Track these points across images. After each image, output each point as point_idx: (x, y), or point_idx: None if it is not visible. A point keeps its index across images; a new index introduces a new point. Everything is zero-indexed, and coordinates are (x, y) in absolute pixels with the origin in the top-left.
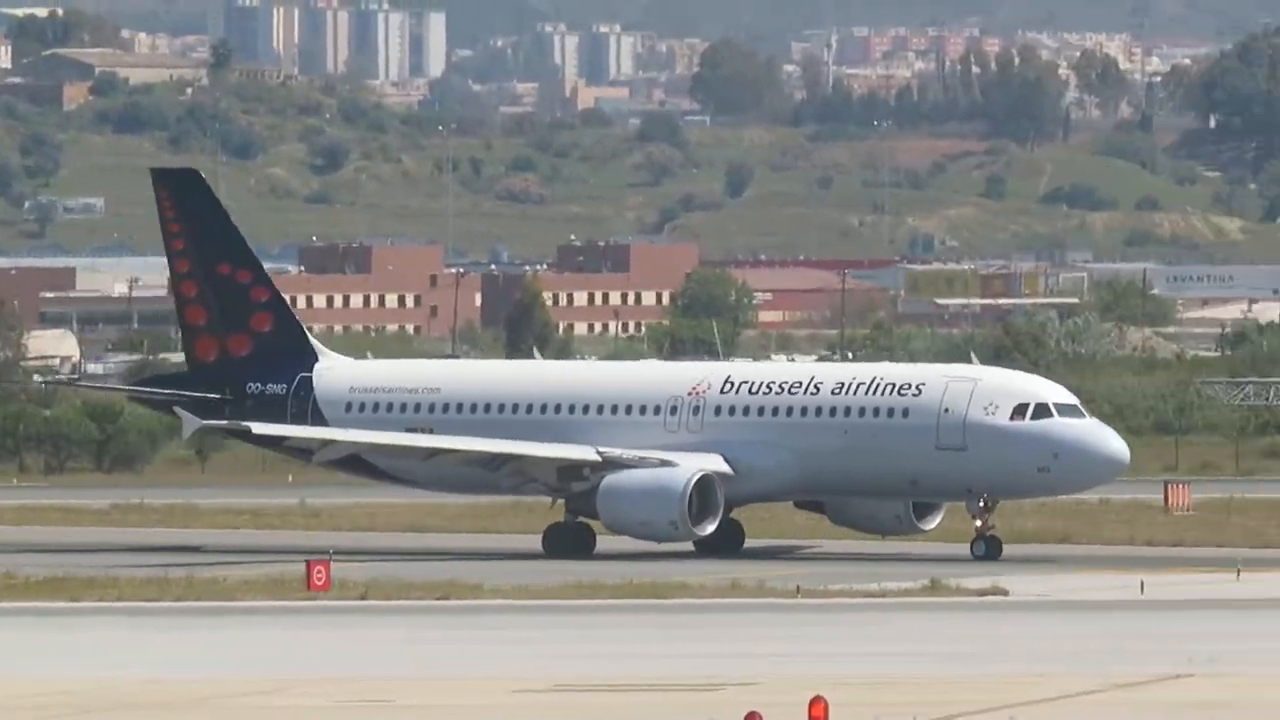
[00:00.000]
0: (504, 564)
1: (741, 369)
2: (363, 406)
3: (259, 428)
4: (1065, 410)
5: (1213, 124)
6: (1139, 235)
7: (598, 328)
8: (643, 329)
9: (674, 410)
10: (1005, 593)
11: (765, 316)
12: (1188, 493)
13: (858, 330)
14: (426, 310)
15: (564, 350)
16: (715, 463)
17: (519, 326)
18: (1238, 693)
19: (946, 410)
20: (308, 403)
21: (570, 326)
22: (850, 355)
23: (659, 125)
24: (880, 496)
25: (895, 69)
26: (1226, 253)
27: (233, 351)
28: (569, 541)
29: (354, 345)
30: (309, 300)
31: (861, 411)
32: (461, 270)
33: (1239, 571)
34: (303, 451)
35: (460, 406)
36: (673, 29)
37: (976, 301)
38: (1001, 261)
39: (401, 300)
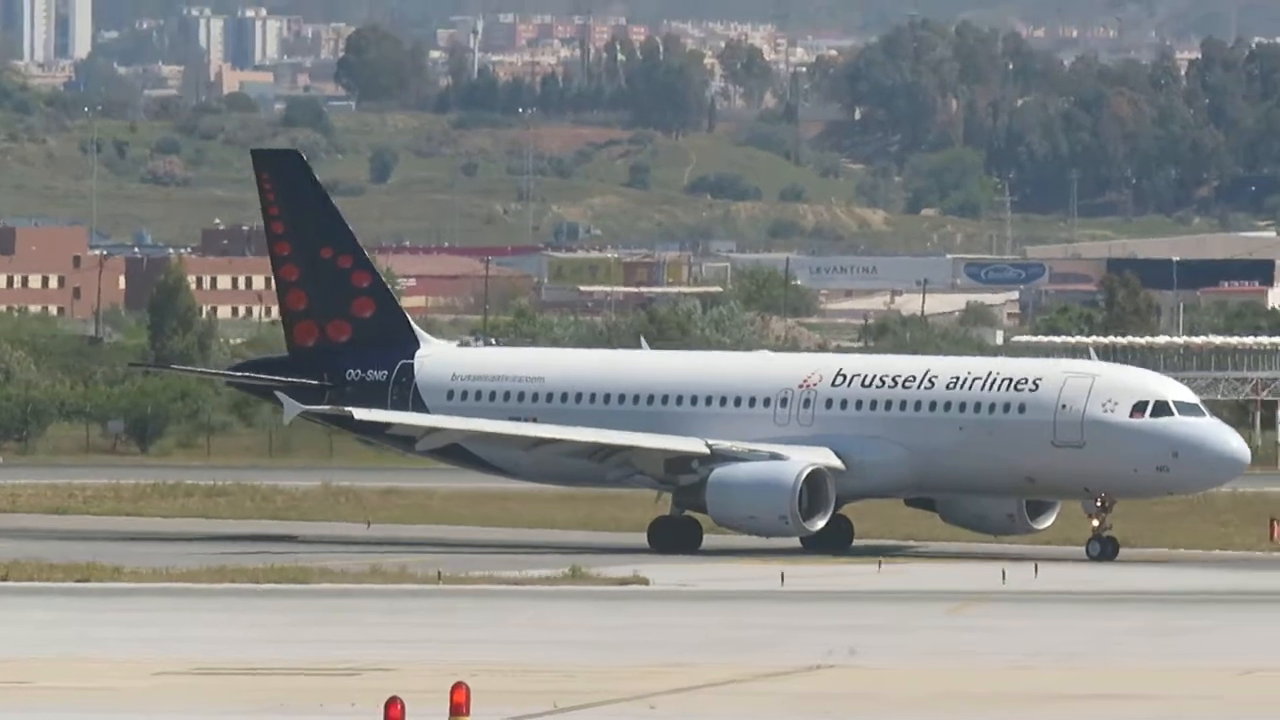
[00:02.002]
0: (146, 546)
1: (854, 361)
2: (465, 394)
3: (361, 413)
4: (1185, 408)
5: (857, 116)
6: (783, 226)
7: (242, 311)
8: None
9: (784, 402)
10: (646, 582)
11: (409, 302)
12: None
13: (501, 316)
14: (70, 292)
15: (208, 333)
16: (826, 457)
17: (162, 309)
18: (875, 684)
19: (1064, 406)
20: (409, 390)
21: (214, 310)
22: (494, 341)
23: (304, 110)
24: (995, 495)
25: (541, 56)
26: (870, 244)
27: (332, 337)
28: (676, 536)
29: None
30: None
31: (977, 407)
32: (105, 252)
33: (880, 563)
34: (404, 440)
35: (565, 396)
36: (319, 14)
37: (620, 289)
38: (645, 250)
39: (45, 282)
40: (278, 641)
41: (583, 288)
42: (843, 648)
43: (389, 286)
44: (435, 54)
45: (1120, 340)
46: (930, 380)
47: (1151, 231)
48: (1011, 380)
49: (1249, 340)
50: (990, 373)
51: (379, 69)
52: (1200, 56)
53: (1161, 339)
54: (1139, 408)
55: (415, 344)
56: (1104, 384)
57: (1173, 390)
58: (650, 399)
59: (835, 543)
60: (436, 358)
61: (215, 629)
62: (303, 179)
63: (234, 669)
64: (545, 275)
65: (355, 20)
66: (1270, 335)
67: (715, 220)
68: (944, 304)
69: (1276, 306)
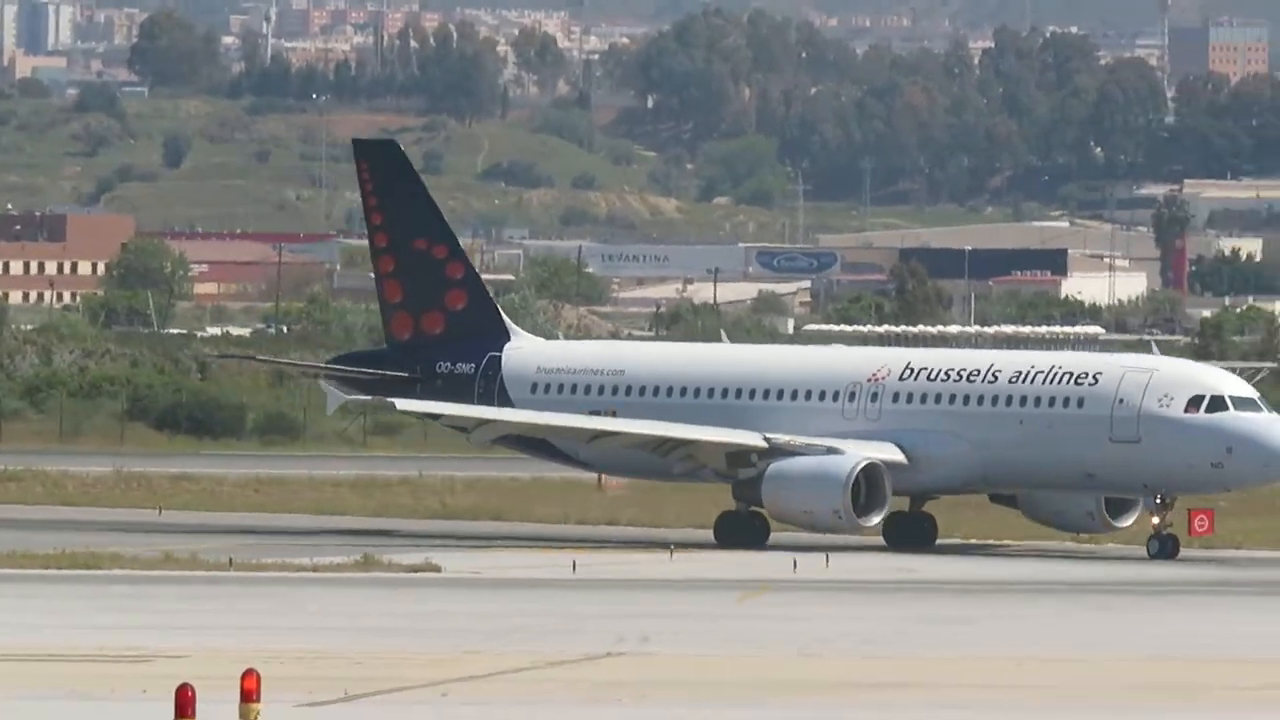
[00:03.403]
0: None
1: (923, 356)
2: (548, 387)
3: (404, 404)
4: (1241, 403)
5: (650, 104)
6: (575, 213)
7: (33, 297)
8: (78, 299)
9: (852, 397)
10: (438, 569)
11: (201, 289)
12: None
13: (293, 303)
14: None
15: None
16: (889, 451)
17: None
18: (667, 671)
19: (1121, 401)
20: (494, 383)
21: (5, 296)
22: (285, 329)
23: (97, 96)
24: (1058, 489)
25: (334, 43)
26: (662, 232)
27: (426, 329)
28: (741, 530)
29: None
30: None
31: (1038, 401)
32: None
33: (672, 551)
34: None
35: (644, 389)
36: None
37: None
38: None
39: None
40: (68, 628)
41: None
42: (635, 635)
43: (479, 277)
44: (228, 40)
45: (911, 329)
46: (994, 374)
47: (944, 220)
48: (1073, 375)
49: (1041, 329)
50: (1053, 367)
51: (172, 55)
52: (994, 45)
53: (953, 328)
54: (1194, 402)
55: (506, 336)
56: (1161, 379)
57: (1230, 385)
58: (725, 393)
59: (918, 539)
60: (524, 350)
61: (4, 614)
62: (401, 169)
63: (23, 655)
64: (338, 262)
65: (148, 6)
66: (1062, 324)
67: (508, 207)
68: (736, 293)
69: (1069, 296)
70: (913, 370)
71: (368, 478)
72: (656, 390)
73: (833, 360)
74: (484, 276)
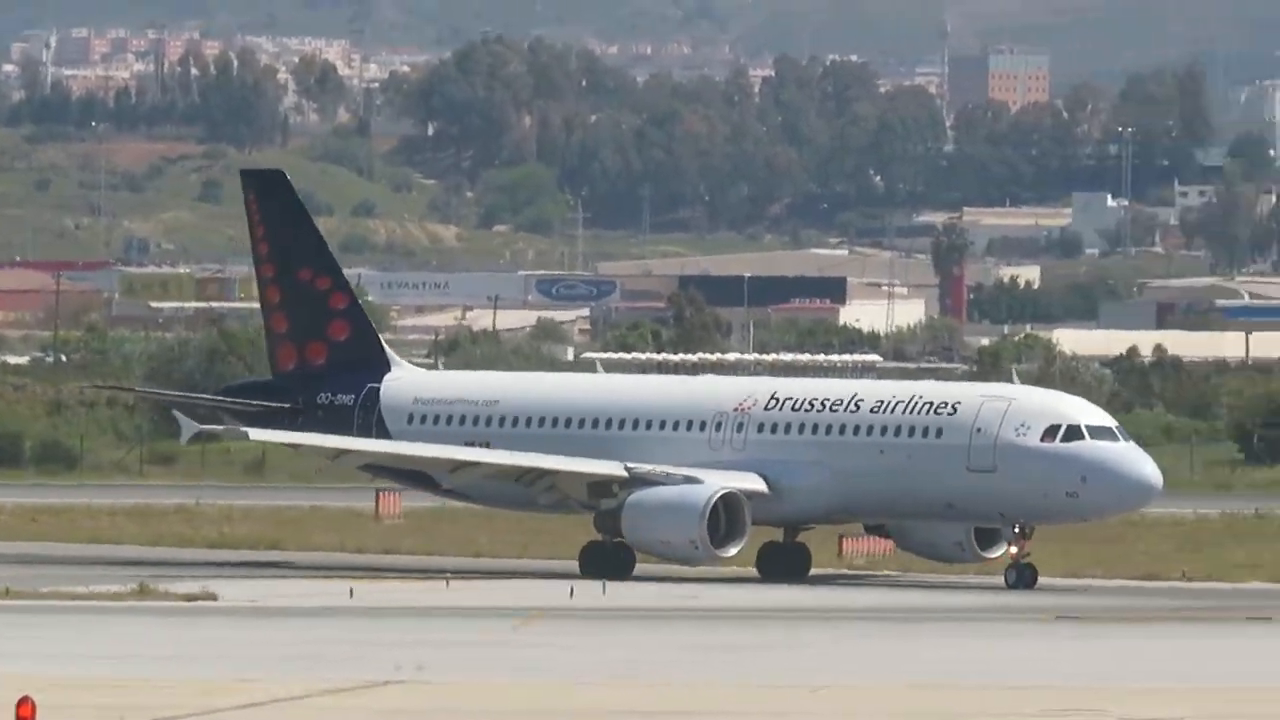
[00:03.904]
0: None
1: (788, 385)
2: (424, 418)
3: (257, 433)
4: (1098, 433)
5: (430, 131)
6: (355, 241)
7: None
8: None
9: (719, 426)
10: (215, 597)
11: None
12: (399, 501)
13: (72, 332)
14: None
15: None
16: (751, 481)
17: None
18: (443, 699)
19: (979, 430)
20: (373, 414)
21: None
22: (64, 358)
23: None
24: (921, 519)
25: (115, 70)
26: (442, 260)
27: (310, 360)
28: (607, 562)
29: None
30: None
31: (898, 430)
32: None
33: (448, 579)
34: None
35: (517, 420)
36: None
37: (191, 305)
38: (217, 265)
39: None
40: None
41: (153, 303)
42: (411, 663)
43: (361, 308)
44: (8, 67)
45: (690, 357)
46: (856, 404)
47: (724, 248)
48: (932, 404)
49: (819, 358)
50: (914, 396)
51: None
52: (774, 74)
53: (731, 356)
54: (1050, 432)
55: (386, 367)
56: (1019, 408)
57: (1088, 415)
58: (595, 423)
59: (792, 570)
60: (402, 381)
61: None
62: (286, 198)
63: None
64: (116, 290)
65: None
66: (841, 353)
67: None
68: (516, 320)
69: (848, 324)
70: (778, 400)
71: (144, 506)
72: (529, 421)
73: (702, 390)
74: (257, 304)
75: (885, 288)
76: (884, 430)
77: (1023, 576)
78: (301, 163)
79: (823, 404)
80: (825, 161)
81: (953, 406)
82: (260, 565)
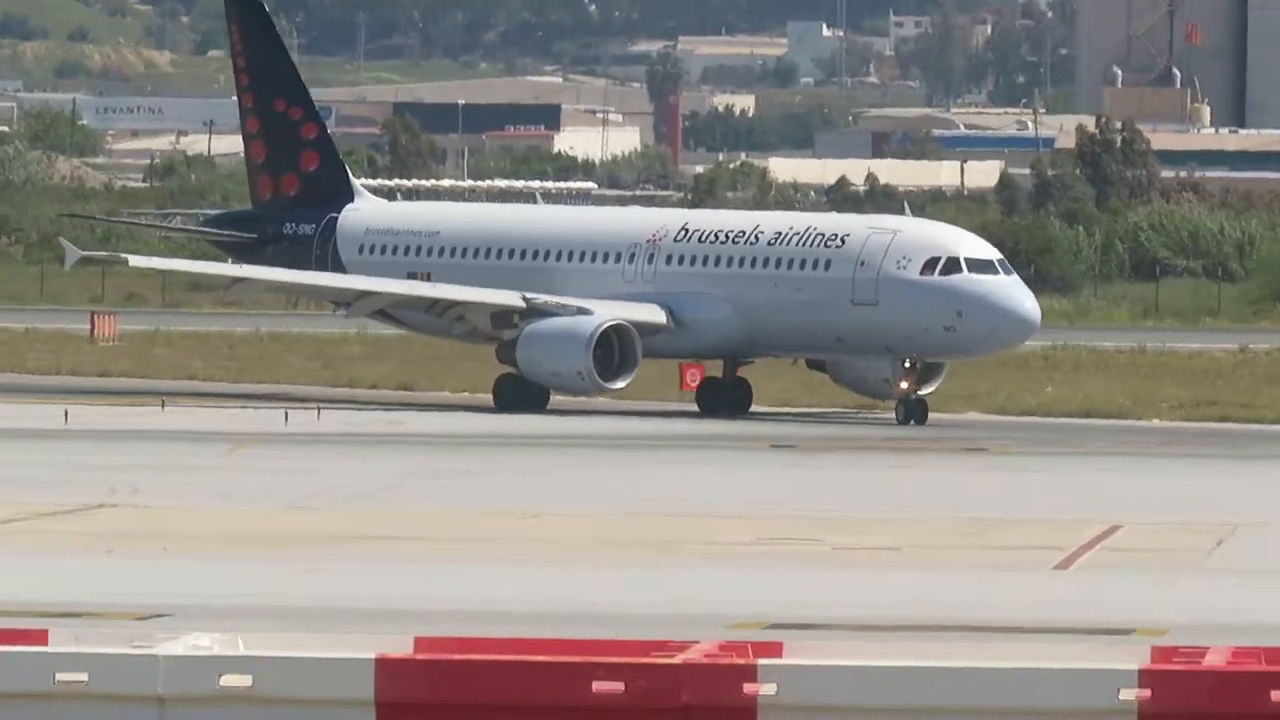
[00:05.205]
0: None
1: (700, 217)
2: (374, 249)
3: (136, 260)
4: (977, 265)
5: None
6: (70, 66)
7: None
8: None
9: (632, 258)
10: None
11: None
12: (114, 323)
13: None
14: None
15: None
16: (651, 313)
17: None
18: (158, 523)
19: (862, 263)
20: (329, 244)
21: None
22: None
23: None
24: (812, 353)
25: None
26: (157, 85)
27: (284, 191)
28: (519, 394)
29: None
30: None
31: (790, 264)
32: None
33: (163, 403)
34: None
35: (454, 250)
36: None
37: None
38: None
39: None
40: None
41: None
42: (126, 486)
43: (330, 138)
44: None
45: (405, 183)
46: (756, 235)
47: (438, 75)
48: (824, 236)
49: (534, 184)
50: (809, 228)
51: None
52: None
53: (446, 182)
54: (930, 265)
55: (349, 198)
56: (902, 240)
57: (969, 247)
58: (524, 254)
59: (733, 406)
60: (360, 212)
61: None
62: (266, 27)
63: None
64: None
65: None
66: (556, 180)
67: (1, 60)
68: (231, 145)
69: (562, 151)
70: (687, 231)
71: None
72: (464, 252)
73: (621, 220)
74: None
75: (600, 115)
76: (778, 263)
77: (912, 412)
78: None
79: (725, 236)
80: None
81: (841, 239)
82: None
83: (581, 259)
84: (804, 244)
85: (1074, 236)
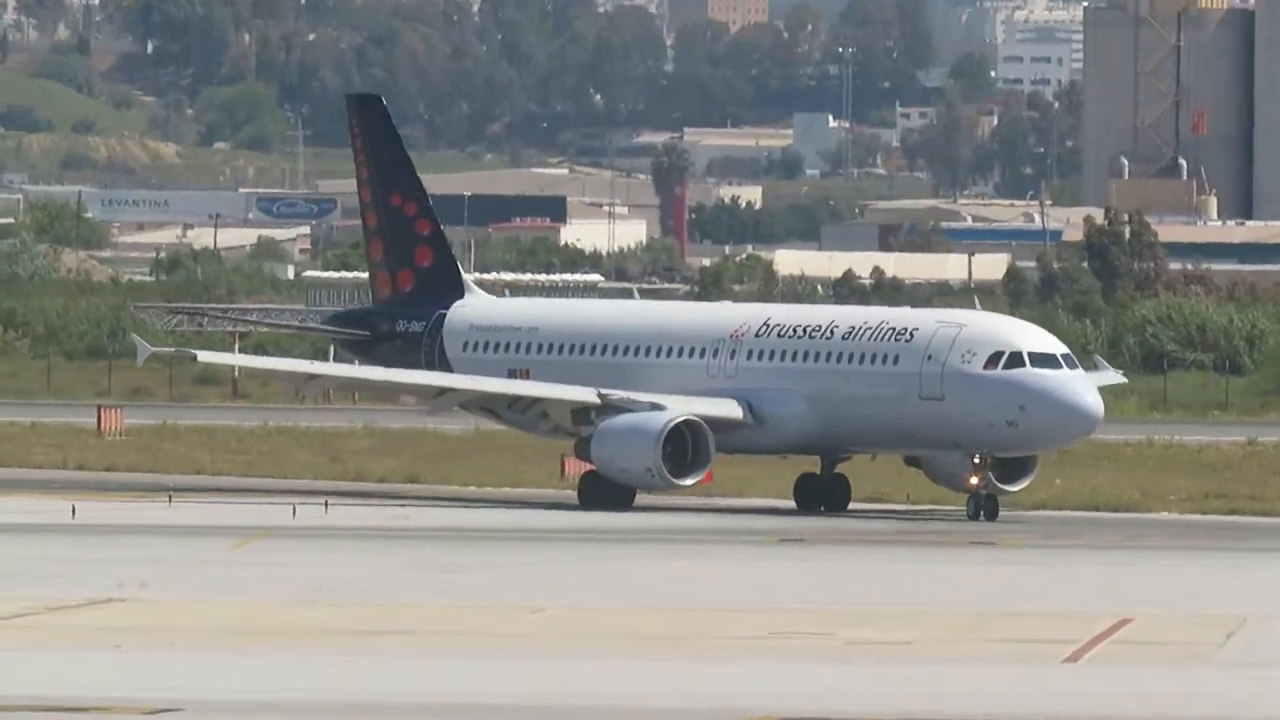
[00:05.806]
0: None
1: (782, 312)
2: (476, 345)
3: (205, 356)
4: (1040, 360)
5: (150, 49)
6: (75, 158)
7: None
8: None
9: (715, 354)
10: None
11: None
12: (121, 417)
13: None
14: None
15: None
16: (726, 408)
17: None
18: (166, 617)
19: (929, 358)
20: (436, 340)
21: None
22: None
23: None
24: (883, 449)
25: None
26: (162, 177)
27: (401, 287)
28: (603, 492)
29: None
30: None
31: (861, 358)
32: None
33: (170, 497)
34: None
35: (552, 347)
36: None
37: None
38: None
39: None
40: None
41: None
42: (134, 580)
43: (443, 233)
44: None
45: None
46: (831, 330)
47: (444, 167)
48: (894, 330)
49: (541, 277)
50: (881, 322)
51: None
52: None
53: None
54: (994, 359)
55: (459, 294)
56: (968, 334)
57: (1034, 341)
58: (615, 350)
59: (832, 503)
60: (466, 309)
61: None
62: (384, 123)
63: None
64: None
65: None
66: (562, 272)
67: (7, 152)
68: (237, 238)
69: (569, 243)
70: (769, 327)
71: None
72: (560, 348)
73: (708, 316)
74: None
75: (606, 207)
76: (850, 358)
77: (983, 506)
78: (21, 79)
79: (803, 331)
80: (544, 80)
81: (910, 333)
82: None
83: (669, 354)
84: (876, 339)
85: (1081, 330)
